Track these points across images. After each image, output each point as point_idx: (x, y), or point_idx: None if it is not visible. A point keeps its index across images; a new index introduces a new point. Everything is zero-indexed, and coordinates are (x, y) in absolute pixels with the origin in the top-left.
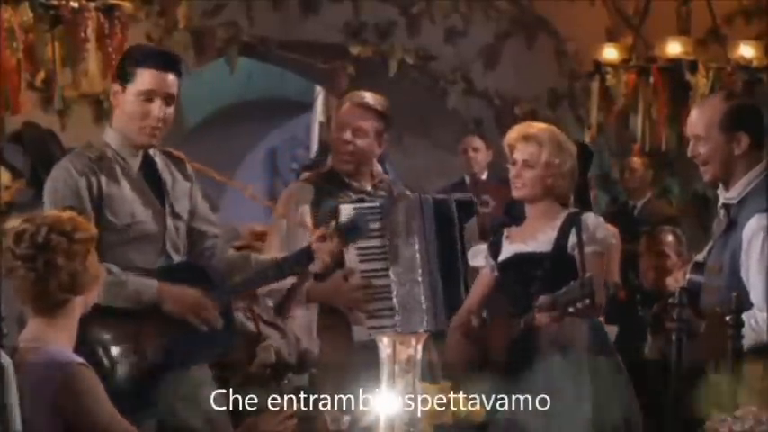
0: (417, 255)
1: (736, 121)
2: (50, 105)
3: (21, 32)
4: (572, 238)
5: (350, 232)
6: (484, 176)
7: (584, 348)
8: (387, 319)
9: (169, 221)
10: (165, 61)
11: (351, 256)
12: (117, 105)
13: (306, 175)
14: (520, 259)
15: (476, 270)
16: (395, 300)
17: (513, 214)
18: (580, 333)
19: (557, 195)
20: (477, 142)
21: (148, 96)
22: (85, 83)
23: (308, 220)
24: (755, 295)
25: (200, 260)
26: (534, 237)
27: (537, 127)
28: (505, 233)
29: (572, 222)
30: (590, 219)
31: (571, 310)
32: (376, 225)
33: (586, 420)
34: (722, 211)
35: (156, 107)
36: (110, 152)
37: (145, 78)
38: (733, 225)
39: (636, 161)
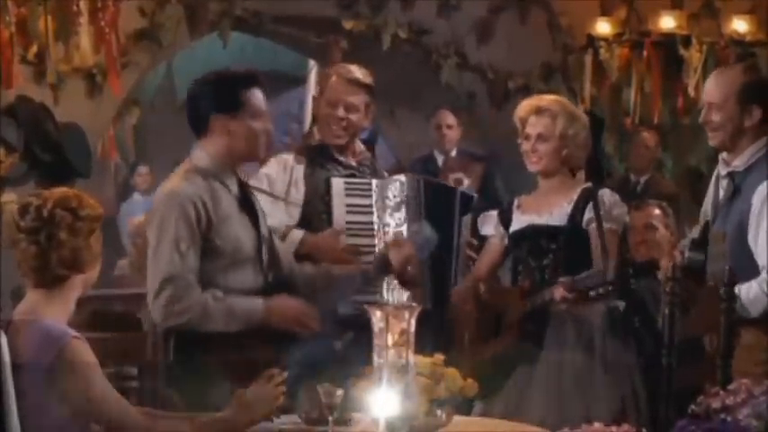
0: (406, 236)
1: (752, 94)
2: (43, 79)
3: (13, 6)
4: (587, 214)
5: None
6: (453, 153)
7: (598, 325)
8: (370, 295)
9: (264, 243)
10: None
11: (339, 226)
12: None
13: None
14: (534, 231)
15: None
16: None
17: (489, 193)
18: (595, 309)
19: (571, 167)
20: (451, 119)
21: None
22: (78, 57)
23: (301, 185)
24: (763, 259)
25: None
26: (549, 209)
27: (547, 99)
28: (516, 202)
29: (588, 197)
30: (606, 195)
31: (592, 294)
32: (366, 201)
33: (594, 392)
34: (726, 180)
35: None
36: (211, 174)
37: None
38: (738, 192)
39: (648, 137)
